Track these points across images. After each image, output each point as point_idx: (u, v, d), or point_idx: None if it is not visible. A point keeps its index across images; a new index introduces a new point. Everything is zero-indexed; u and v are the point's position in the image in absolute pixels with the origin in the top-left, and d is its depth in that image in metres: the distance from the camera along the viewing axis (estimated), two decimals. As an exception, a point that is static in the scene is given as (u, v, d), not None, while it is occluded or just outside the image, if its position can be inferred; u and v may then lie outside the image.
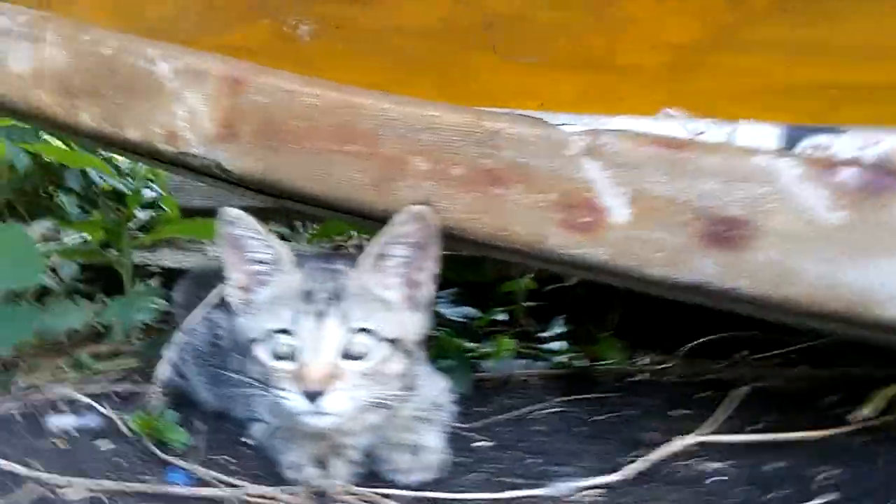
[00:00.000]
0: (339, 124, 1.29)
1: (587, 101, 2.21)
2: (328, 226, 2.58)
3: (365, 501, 1.17)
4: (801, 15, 2.04)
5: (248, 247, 1.30)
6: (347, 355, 1.21)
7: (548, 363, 1.92)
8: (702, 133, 1.30)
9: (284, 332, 1.22)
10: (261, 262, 1.30)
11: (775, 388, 1.64)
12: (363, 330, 1.22)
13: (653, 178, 1.14)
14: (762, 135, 1.30)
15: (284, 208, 1.57)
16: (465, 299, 2.20)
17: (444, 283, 2.22)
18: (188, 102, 1.36)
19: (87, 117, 1.44)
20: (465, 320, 2.10)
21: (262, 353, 1.24)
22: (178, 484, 1.22)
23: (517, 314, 2.16)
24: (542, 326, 2.14)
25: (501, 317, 2.15)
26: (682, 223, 1.13)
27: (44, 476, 1.21)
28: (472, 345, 1.90)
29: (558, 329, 2.10)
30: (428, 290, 1.32)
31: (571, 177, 1.18)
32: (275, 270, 1.30)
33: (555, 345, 2.00)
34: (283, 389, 1.20)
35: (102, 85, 1.42)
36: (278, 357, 1.22)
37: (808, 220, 1.06)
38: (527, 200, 1.21)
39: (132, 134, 1.41)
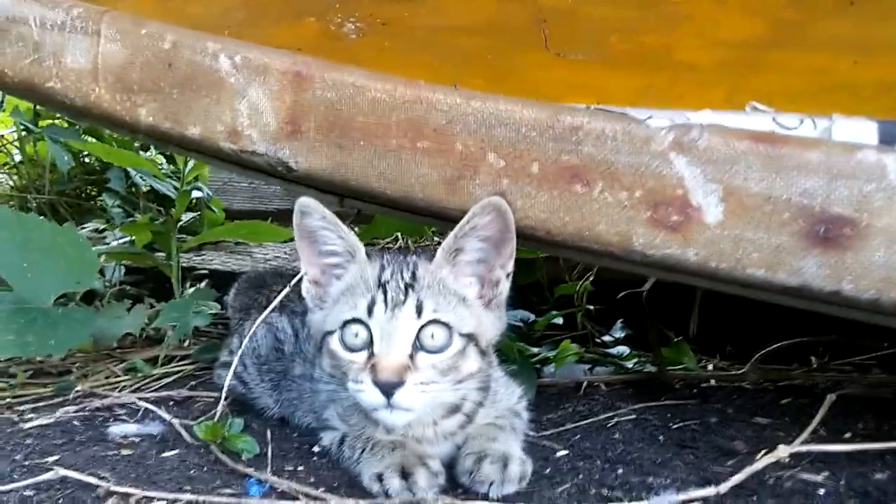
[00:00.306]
0: (409, 120, 1.25)
1: (642, 99, 2.15)
2: (374, 226, 2.54)
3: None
4: (867, 12, 1.97)
5: (321, 238, 1.28)
6: (422, 347, 1.17)
7: (612, 368, 1.86)
8: (795, 128, 1.23)
9: (358, 321, 1.19)
10: (334, 253, 1.28)
11: (858, 395, 1.56)
12: (438, 322, 1.18)
13: (748, 174, 1.08)
14: (860, 130, 1.22)
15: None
16: (517, 302, 2.14)
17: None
18: (251, 98, 1.32)
19: (146, 113, 1.40)
20: (521, 324, 2.05)
21: (335, 344, 1.21)
22: (258, 497, 1.18)
23: (578, 318, 2.10)
24: (601, 330, 2.08)
25: (557, 320, 2.09)
26: (780, 222, 1.06)
27: (119, 489, 1.17)
28: (533, 349, 1.84)
29: (620, 333, 2.04)
30: (504, 288, 1.28)
31: (659, 173, 1.12)
32: (347, 262, 1.28)
33: (619, 350, 1.94)
34: (358, 382, 1.17)
35: (161, 80, 1.38)
36: (351, 349, 1.20)
37: (919, 218, 1.00)
38: (611, 198, 1.15)
39: (192, 131, 1.37)
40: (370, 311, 1.19)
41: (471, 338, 1.22)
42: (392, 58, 2.14)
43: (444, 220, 1.30)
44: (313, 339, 1.33)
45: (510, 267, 1.26)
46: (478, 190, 1.23)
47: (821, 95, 2.01)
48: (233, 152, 1.37)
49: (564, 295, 2.15)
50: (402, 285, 1.20)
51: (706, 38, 2.13)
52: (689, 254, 1.12)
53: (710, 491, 1.09)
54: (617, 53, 2.17)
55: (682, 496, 1.09)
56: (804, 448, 1.20)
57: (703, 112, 1.27)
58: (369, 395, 1.16)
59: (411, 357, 1.16)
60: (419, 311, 1.18)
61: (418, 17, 2.15)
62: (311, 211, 1.26)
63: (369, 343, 1.18)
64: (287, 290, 1.41)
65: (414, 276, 1.22)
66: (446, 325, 1.19)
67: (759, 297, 1.15)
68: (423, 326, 1.18)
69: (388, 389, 1.14)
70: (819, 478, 1.18)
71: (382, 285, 1.21)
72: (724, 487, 1.09)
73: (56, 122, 2.87)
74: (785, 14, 2.07)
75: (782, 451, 1.15)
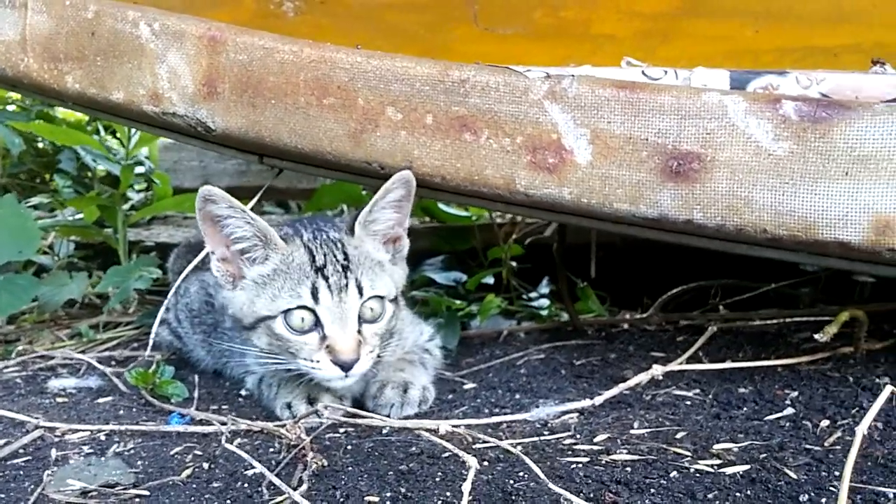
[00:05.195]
0: (315, 79, 1.35)
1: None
2: (318, 199, 2.63)
3: (354, 427, 1.23)
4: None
5: (228, 224, 1.30)
6: (364, 320, 1.27)
7: (534, 320, 1.98)
8: (660, 78, 1.35)
9: (303, 308, 1.25)
10: (243, 238, 1.31)
11: (743, 329, 1.70)
12: (375, 297, 1.28)
13: (612, 118, 1.19)
14: (715, 78, 1.35)
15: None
16: (453, 266, 2.26)
17: (433, 251, 2.31)
18: (170, 63, 1.42)
19: (72, 81, 1.49)
20: (454, 284, 2.17)
21: (280, 328, 1.26)
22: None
23: (504, 277, 2.22)
24: (529, 288, 2.21)
25: (489, 280, 2.21)
26: (640, 160, 1.18)
27: (47, 424, 1.26)
28: (460, 303, 1.95)
29: (545, 290, 2.17)
30: (405, 243, 1.40)
31: (536, 120, 1.24)
32: (259, 246, 1.31)
33: (540, 302, 2.07)
34: (313, 361, 1.25)
35: (86, 48, 1.46)
36: (299, 331, 1.26)
37: (754, 151, 1.12)
38: (496, 145, 1.26)
39: (117, 96, 1.46)
40: (315, 297, 1.24)
41: (394, 300, 1.33)
42: (329, 35, 2.22)
43: (350, 172, 1.41)
44: (232, 316, 1.37)
45: (406, 223, 1.38)
46: (379, 142, 1.33)
47: (726, 61, 2.15)
48: (155, 115, 1.46)
49: (498, 258, 2.27)
50: (339, 268, 1.27)
51: (623, 11, 2.27)
52: (565, 192, 1.23)
53: (586, 403, 1.21)
54: (540, 27, 2.30)
55: (561, 407, 1.20)
56: (678, 368, 1.32)
57: (584, 67, 1.38)
58: (328, 372, 1.24)
59: (359, 332, 1.26)
60: (360, 290, 1.27)
61: (354, -6, 2.25)
62: (218, 199, 1.27)
63: (316, 325, 1.25)
64: (202, 256, 1.50)
65: (346, 256, 1.30)
66: (380, 296, 1.29)
67: (630, 232, 1.26)
68: (364, 302, 1.27)
69: (348, 366, 1.23)
70: (689, 393, 1.31)
71: (320, 270, 1.27)
72: (598, 400, 1.21)
73: (6, 106, 2.92)
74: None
75: (656, 371, 1.28)
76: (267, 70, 1.37)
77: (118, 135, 3.12)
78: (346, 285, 1.26)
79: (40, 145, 3.17)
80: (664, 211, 1.17)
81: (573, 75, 1.22)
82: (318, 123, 1.35)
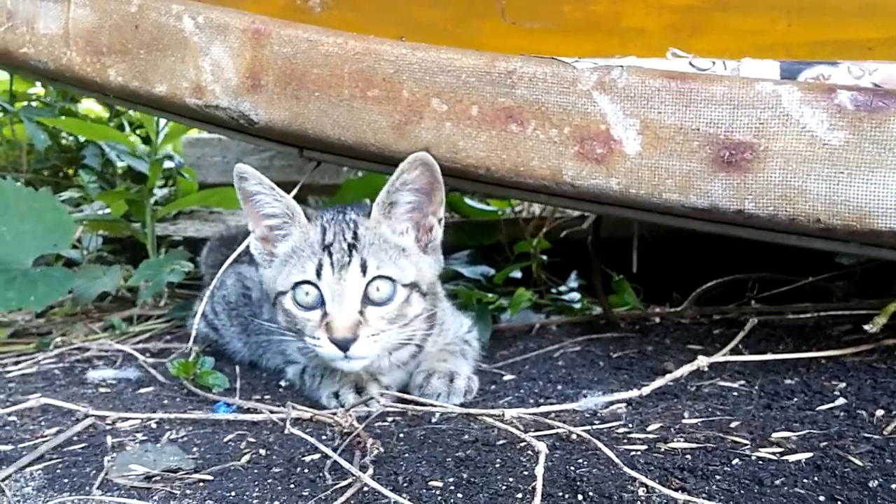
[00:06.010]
0: (360, 70, 1.35)
1: (594, 62, 2.28)
2: (342, 194, 2.64)
3: (402, 416, 1.23)
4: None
5: (260, 201, 1.32)
6: (370, 302, 1.26)
7: (566, 314, 1.98)
8: (707, 69, 1.35)
9: (307, 283, 1.27)
10: (273, 215, 1.33)
11: (786, 321, 1.69)
12: (382, 277, 1.27)
13: (662, 108, 1.19)
14: (764, 69, 1.35)
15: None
16: (479, 260, 2.26)
17: (459, 245, 2.32)
18: (213, 55, 1.42)
19: (115, 74, 1.49)
20: (481, 278, 2.17)
21: (289, 303, 1.29)
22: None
23: (534, 271, 2.22)
24: (557, 282, 2.21)
25: (517, 275, 2.21)
26: (690, 150, 1.18)
27: (96, 412, 1.27)
28: (491, 296, 1.95)
29: (574, 283, 2.17)
30: (437, 232, 1.37)
31: (584, 111, 1.24)
32: (287, 223, 1.34)
33: (571, 296, 2.07)
34: (315, 338, 1.25)
35: (129, 42, 1.47)
36: (305, 307, 1.27)
37: (809, 141, 1.11)
38: (543, 135, 1.26)
39: (159, 89, 1.47)
40: (318, 274, 1.26)
41: (413, 286, 1.30)
42: (356, 30, 2.23)
43: (393, 165, 1.40)
44: (267, 294, 1.39)
45: (441, 213, 1.36)
46: (423, 133, 1.33)
47: (758, 54, 2.14)
48: (198, 108, 1.47)
49: (524, 252, 2.27)
50: (345, 246, 1.27)
51: (651, 5, 2.26)
52: (613, 183, 1.23)
53: (633, 393, 1.21)
54: (569, 21, 2.29)
55: (608, 397, 1.20)
56: (723, 359, 1.32)
57: (629, 58, 1.38)
58: (327, 350, 1.24)
59: (361, 312, 1.25)
60: (364, 269, 1.26)
61: (382, -12, 2.26)
62: (248, 176, 1.30)
63: (321, 302, 1.26)
64: (246, 242, 1.51)
65: (356, 235, 1.29)
66: (390, 278, 1.27)
67: (676, 223, 1.26)
68: (369, 283, 1.26)
69: (343, 345, 1.22)
70: (735, 384, 1.31)
71: (327, 247, 1.28)
72: (646, 390, 1.21)
73: (32, 102, 2.94)
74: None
75: (702, 362, 1.27)
76: (311, 62, 1.38)
77: (139, 131, 3.15)
78: (349, 263, 1.25)
79: (63, 141, 3.18)
80: (715, 201, 1.17)
81: (622, 66, 1.22)
82: (363, 115, 1.36)
